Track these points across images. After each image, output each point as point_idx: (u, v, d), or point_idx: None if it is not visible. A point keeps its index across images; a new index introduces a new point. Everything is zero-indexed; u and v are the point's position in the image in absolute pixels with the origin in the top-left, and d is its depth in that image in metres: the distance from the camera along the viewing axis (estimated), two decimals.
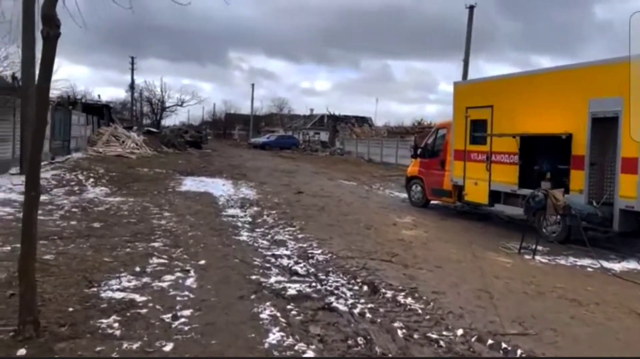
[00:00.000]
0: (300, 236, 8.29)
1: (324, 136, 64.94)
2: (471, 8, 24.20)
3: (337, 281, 5.74)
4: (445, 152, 11.94)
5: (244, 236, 8.04)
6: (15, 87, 12.80)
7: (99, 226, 7.99)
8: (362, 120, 71.23)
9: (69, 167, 14.53)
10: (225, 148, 47.53)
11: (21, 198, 10.21)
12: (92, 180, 12.95)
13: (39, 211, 9.26)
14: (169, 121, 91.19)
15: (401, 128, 55.32)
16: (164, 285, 5.19)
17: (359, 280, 5.78)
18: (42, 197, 10.28)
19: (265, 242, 7.72)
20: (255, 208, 11.12)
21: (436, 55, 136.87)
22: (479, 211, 12.17)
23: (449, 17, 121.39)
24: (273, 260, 6.61)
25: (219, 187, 14.72)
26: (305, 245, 7.58)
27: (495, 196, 10.24)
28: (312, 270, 6.21)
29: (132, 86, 53.12)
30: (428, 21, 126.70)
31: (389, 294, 5.35)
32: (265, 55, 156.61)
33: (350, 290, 5.47)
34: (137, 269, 5.66)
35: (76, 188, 11.76)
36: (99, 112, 34.60)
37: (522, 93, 9.47)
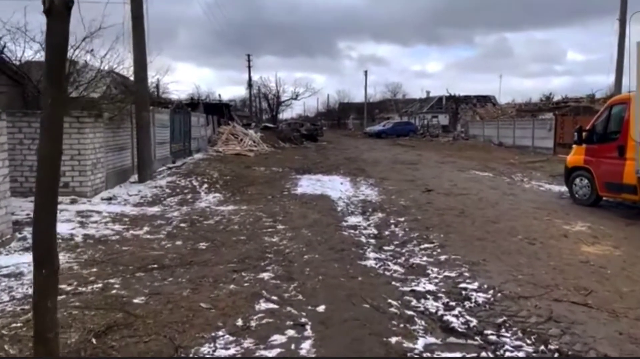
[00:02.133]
0: (442, 257, 6.44)
1: (443, 119, 61.17)
2: None
3: (518, 349, 3.84)
4: (626, 135, 9.10)
5: (371, 259, 6.40)
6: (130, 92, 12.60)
7: (204, 248, 6.93)
8: (485, 100, 65.77)
9: (185, 172, 14.20)
10: (341, 139, 46.63)
11: (134, 211, 9.81)
12: (206, 185, 12.34)
13: (147, 229, 8.72)
14: (285, 114, 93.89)
15: (530, 105, 49.67)
16: (271, 355, 3.75)
17: (552, 347, 3.82)
18: (154, 209, 9.75)
19: (398, 269, 6.01)
20: (380, 214, 9.45)
21: (558, 22, 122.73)
22: None
23: None
24: (414, 302, 4.88)
25: (337, 187, 13.31)
26: (453, 274, 5.72)
27: None
28: (474, 322, 4.37)
29: (249, 83, 54.73)
30: None
31: None
32: (374, 41, 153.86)
33: None
34: (239, 322, 4.32)
35: (189, 196, 11.14)
36: (220, 111, 35.57)
37: None
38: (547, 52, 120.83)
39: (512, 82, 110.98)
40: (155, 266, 6.05)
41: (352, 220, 9.03)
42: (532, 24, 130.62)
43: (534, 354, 3.76)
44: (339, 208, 10.16)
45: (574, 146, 10.67)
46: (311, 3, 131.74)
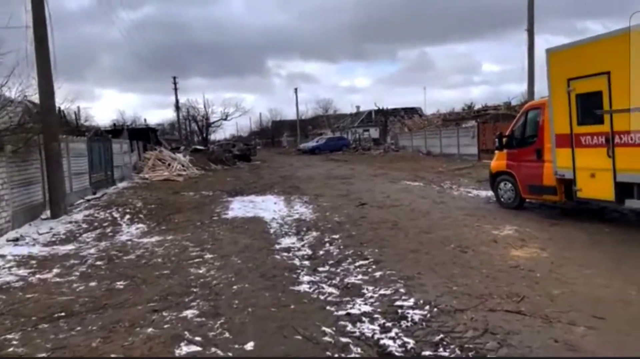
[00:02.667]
0: (377, 274, 6.25)
1: (374, 133, 62.68)
2: None
3: None
4: (542, 138, 9.50)
5: (305, 283, 6.08)
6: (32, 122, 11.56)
7: (122, 287, 6.30)
8: (412, 111, 68.21)
9: (106, 204, 13.19)
10: (275, 158, 46.27)
11: (43, 252, 8.88)
12: (128, 216, 11.49)
13: (57, 271, 7.89)
14: (218, 136, 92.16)
15: (454, 114, 51.99)
16: None
17: None
18: (67, 247, 8.88)
19: (333, 291, 5.73)
20: (314, 233, 9.18)
21: (474, 36, 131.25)
22: (590, 208, 9.65)
23: None
24: (350, 326, 4.60)
25: (270, 207, 12.92)
26: (388, 292, 5.53)
27: (624, 189, 7.74)
28: (411, 343, 4.15)
29: (177, 106, 53.15)
30: (461, 1, 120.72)
31: None
32: (302, 59, 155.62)
33: None
34: None
35: (109, 229, 10.29)
36: (145, 136, 34.13)
37: None
38: (465, 64, 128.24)
39: (435, 94, 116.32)
40: (63, 314, 5.36)
41: (286, 241, 8.68)
42: (451, 37, 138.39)
43: None
44: (272, 230, 9.78)
45: (496, 152, 11.02)
46: (236, 23, 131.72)
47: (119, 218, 11.37)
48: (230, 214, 12.03)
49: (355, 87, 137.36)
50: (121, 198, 14.85)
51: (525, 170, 9.94)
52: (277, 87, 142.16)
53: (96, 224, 10.76)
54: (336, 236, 8.74)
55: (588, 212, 9.55)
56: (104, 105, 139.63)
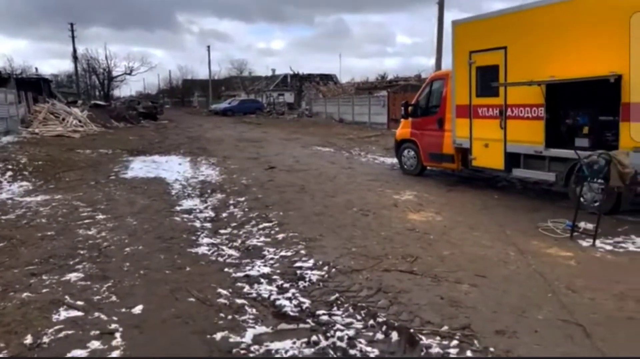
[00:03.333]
0: (280, 236, 6.21)
1: (289, 97, 62.13)
2: None
3: (348, 327, 3.71)
4: (444, 109, 9.91)
5: (204, 245, 5.88)
6: None
7: None
8: (327, 78, 68.32)
9: None
10: (184, 118, 44.31)
11: None
12: (10, 173, 10.33)
13: None
14: (123, 92, 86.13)
15: (368, 83, 53.01)
16: None
17: (380, 320, 3.78)
18: None
19: (233, 253, 5.60)
20: (219, 196, 8.92)
21: (390, 7, 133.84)
22: (484, 176, 10.34)
23: None
24: (247, 288, 4.52)
25: (174, 168, 12.35)
26: (289, 254, 5.51)
27: (512, 159, 8.34)
28: (307, 303, 4.16)
29: (74, 56, 48.50)
30: None
31: (436, 348, 3.38)
32: (216, 17, 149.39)
33: (372, 343, 3.47)
34: (28, 340, 3.48)
35: None
36: (37, 87, 30.91)
37: (547, 27, 7.40)
38: (380, 34, 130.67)
39: (350, 62, 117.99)
40: None
41: (188, 203, 8.34)
42: (367, 7, 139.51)
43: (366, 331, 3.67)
44: (174, 192, 9.35)
45: (402, 120, 11.35)
46: None
47: None
48: (130, 174, 11.31)
49: (271, 49, 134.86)
50: (3, 153, 13.33)
51: (427, 139, 10.36)
52: (188, 44, 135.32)
53: None
54: (241, 199, 8.55)
55: (481, 180, 10.22)
56: None
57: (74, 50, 48.35)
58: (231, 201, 8.40)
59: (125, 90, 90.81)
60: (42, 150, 15.07)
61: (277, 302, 4.20)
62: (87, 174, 11.16)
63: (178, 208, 7.94)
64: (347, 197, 8.52)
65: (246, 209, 7.80)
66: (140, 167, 12.31)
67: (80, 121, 23.68)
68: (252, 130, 27.52)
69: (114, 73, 53.81)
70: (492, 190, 9.24)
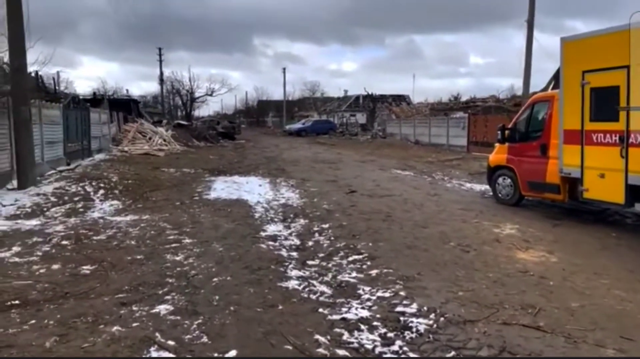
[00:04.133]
0: (373, 272, 5.68)
1: (361, 118, 62.02)
2: None
3: None
4: (548, 133, 8.99)
5: (294, 278, 5.48)
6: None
7: (88, 272, 5.62)
8: (400, 99, 67.76)
9: (79, 176, 12.24)
10: (260, 138, 45.36)
11: (4, 226, 8.07)
12: (102, 191, 10.70)
13: (18, 249, 7.13)
14: (202, 112, 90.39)
15: (442, 104, 51.66)
16: None
17: None
18: (32, 222, 8.11)
19: (325, 290, 5.14)
20: (302, 221, 8.58)
21: (462, 27, 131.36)
22: (591, 209, 9.22)
23: None
24: (346, 335, 4.03)
25: (255, 189, 12.26)
26: (387, 294, 4.96)
27: (635, 192, 7.29)
28: None
29: (161, 78, 51.55)
30: None
31: None
32: (289, 40, 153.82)
33: None
34: None
35: (80, 205, 9.52)
36: (127, 107, 32.88)
37: None
38: (452, 55, 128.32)
39: (422, 83, 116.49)
40: (17, 302, 4.69)
41: (272, 228, 8.05)
42: (439, 27, 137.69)
43: None
44: (257, 215, 9.13)
45: (497, 145, 10.50)
46: None
47: (92, 193, 10.57)
48: (213, 195, 11.33)
49: (342, 70, 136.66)
50: (96, 171, 13.98)
51: (527, 166, 9.45)
52: (263, 66, 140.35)
53: (66, 198, 9.96)
54: (326, 226, 8.15)
55: (589, 214, 9.12)
56: (84, 73, 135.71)
57: (161, 73, 51.46)
58: (315, 228, 8.02)
59: (205, 110, 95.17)
60: (131, 169, 15.69)
61: (384, 356, 3.67)
62: (172, 194, 11.31)
63: (262, 233, 7.67)
64: (440, 229, 7.85)
65: (332, 238, 7.37)
66: (222, 188, 12.34)
67: (165, 140, 24.73)
68: (326, 151, 27.40)
69: (196, 94, 56.52)
70: (605, 226, 8.16)
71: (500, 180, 10.24)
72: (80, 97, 24.02)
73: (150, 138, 24.21)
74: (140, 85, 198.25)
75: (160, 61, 50.67)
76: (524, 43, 21.33)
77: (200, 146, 29.36)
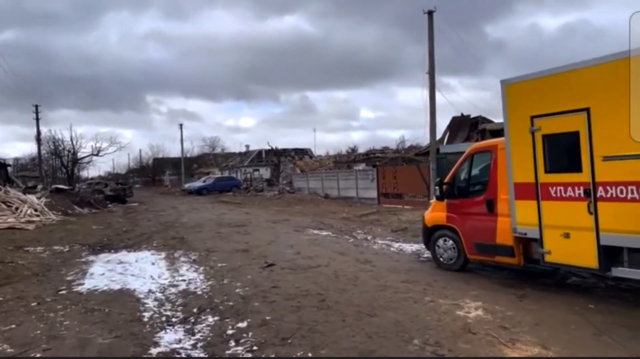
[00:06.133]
0: None
1: (265, 173, 60.66)
2: (430, 14, 21.11)
3: None
4: (494, 187, 7.89)
5: None
6: None
7: None
8: (302, 152, 67.83)
9: None
10: (156, 199, 41.65)
11: None
12: None
13: None
14: (92, 173, 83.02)
15: (344, 156, 52.23)
16: None
17: None
18: None
19: None
20: (211, 319, 6.40)
21: (351, 84, 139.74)
22: (543, 269, 8.12)
23: (356, 47, 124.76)
24: None
25: (147, 271, 9.75)
26: None
27: (610, 254, 6.23)
28: None
29: (38, 138, 45.84)
30: (338, 52, 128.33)
31: None
32: (183, 96, 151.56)
33: None
34: None
35: None
36: None
37: None
38: (345, 110, 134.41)
39: (319, 136, 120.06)
40: None
41: (168, 338, 5.75)
42: (330, 84, 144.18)
43: None
44: (148, 314, 6.74)
45: (433, 201, 9.27)
46: (111, 56, 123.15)
47: None
48: (87, 285, 8.63)
49: (240, 126, 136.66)
50: None
51: (473, 225, 8.24)
52: (157, 123, 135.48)
53: None
54: (243, 325, 6.07)
55: (543, 276, 8.04)
56: None
57: (38, 132, 45.87)
58: (230, 331, 5.90)
59: (94, 171, 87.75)
60: None
61: None
62: (30, 287, 8.44)
63: (154, 350, 5.37)
64: (392, 316, 6.13)
65: (254, 346, 5.31)
66: (101, 273, 9.65)
67: (36, 209, 20.84)
68: (232, 211, 25.12)
69: (81, 154, 51.00)
70: (575, 295, 7.00)
71: (440, 242, 8.92)
72: None
73: (17, 209, 20.23)
74: (18, 146, 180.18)
75: (37, 119, 45.26)
76: (426, 93, 21.50)
77: (84, 213, 25.49)
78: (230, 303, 7.13)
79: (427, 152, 31.20)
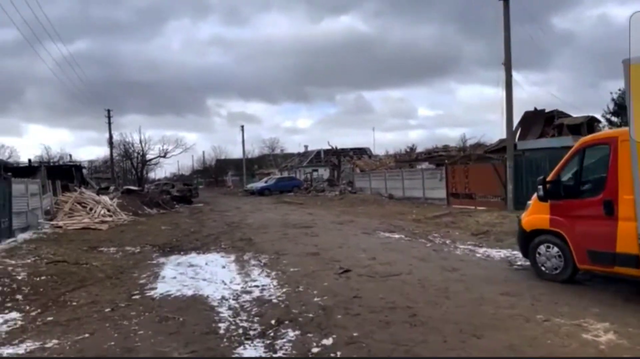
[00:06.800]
0: None
1: (324, 173, 60.34)
2: (506, 0, 19.64)
3: None
4: (614, 186, 6.73)
5: None
6: None
7: None
8: (360, 152, 66.82)
9: None
10: (219, 199, 42.31)
11: None
12: None
13: None
14: (158, 174, 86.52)
15: (405, 155, 50.71)
16: None
17: None
18: None
19: None
20: (291, 333, 5.78)
21: (408, 82, 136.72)
22: None
23: (412, 45, 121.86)
24: None
25: (218, 275, 9.36)
26: None
27: None
28: None
29: (110, 141, 48.09)
30: (393, 51, 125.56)
31: None
32: (242, 99, 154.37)
33: None
34: None
35: None
36: (68, 175, 29.42)
37: None
38: (401, 109, 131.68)
39: (376, 136, 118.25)
40: None
41: (248, 354, 5.20)
42: (386, 83, 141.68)
43: None
44: (223, 326, 6.23)
45: (532, 202, 8.19)
46: (174, 62, 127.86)
47: None
48: (160, 289, 8.32)
49: (297, 127, 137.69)
50: (8, 260, 10.61)
51: (584, 229, 7.12)
52: (218, 126, 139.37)
53: None
54: (329, 342, 5.40)
55: None
56: (31, 141, 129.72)
57: (110, 136, 48.10)
58: (314, 348, 5.26)
59: (160, 172, 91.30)
60: (58, 251, 12.42)
61: None
62: (104, 292, 8.24)
63: None
64: (502, 338, 5.23)
65: None
66: (173, 276, 9.36)
67: (109, 210, 21.41)
68: (295, 212, 24.73)
69: (149, 156, 53.14)
70: None
71: (542, 248, 7.83)
72: (7, 165, 20.60)
73: (91, 209, 20.85)
74: (92, 150, 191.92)
75: (110, 123, 47.50)
76: (502, 86, 20.02)
77: (152, 214, 26.06)
78: (310, 315, 6.49)
79: (499, 148, 29.52)
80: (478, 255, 10.49)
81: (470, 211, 19.79)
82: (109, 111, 47.73)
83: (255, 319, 6.46)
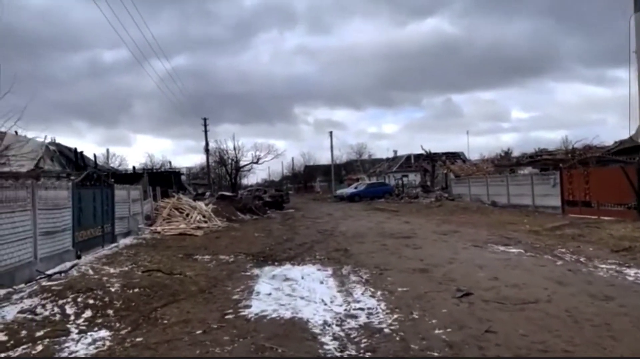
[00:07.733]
0: None
1: (415, 178, 58.16)
2: None
3: None
4: None
5: None
6: None
7: None
8: (454, 156, 63.56)
9: (61, 287, 8.31)
10: (309, 205, 42.02)
11: None
12: (88, 313, 7.08)
13: None
14: (251, 180, 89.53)
15: (503, 159, 47.09)
16: None
17: None
18: None
19: None
20: None
21: (499, 83, 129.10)
22: None
23: (502, 44, 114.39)
24: None
25: (316, 292, 8.36)
26: None
27: None
28: None
29: (206, 148, 49.98)
30: (482, 51, 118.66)
31: None
32: (328, 107, 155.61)
33: None
34: None
35: (40, 347, 5.88)
36: (167, 181, 30.58)
37: None
38: (492, 111, 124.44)
39: (465, 140, 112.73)
40: None
41: None
42: (475, 86, 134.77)
43: None
44: None
45: None
46: (263, 73, 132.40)
47: (71, 318, 6.94)
48: (254, 308, 7.47)
49: (383, 132, 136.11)
50: (95, 275, 10.42)
51: None
52: (305, 133, 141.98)
53: (25, 333, 6.33)
54: None
55: None
56: (138, 150, 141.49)
57: (206, 143, 50.01)
58: None
59: (252, 178, 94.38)
60: (155, 259, 12.28)
61: None
62: (196, 308, 7.57)
63: None
64: None
65: None
66: (268, 292, 8.51)
67: (204, 216, 21.56)
68: (390, 220, 23.36)
69: (242, 163, 54.72)
70: None
71: None
72: (97, 172, 21.50)
73: (187, 215, 21.11)
74: (190, 157, 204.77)
75: (206, 131, 49.38)
76: (634, 76, 17.19)
77: (245, 219, 26.07)
78: (435, 354, 5.21)
79: (621, 149, 25.90)
80: (630, 279, 8.50)
81: (595, 222, 17.16)
82: (205, 119, 49.70)
83: (367, 355, 5.32)
